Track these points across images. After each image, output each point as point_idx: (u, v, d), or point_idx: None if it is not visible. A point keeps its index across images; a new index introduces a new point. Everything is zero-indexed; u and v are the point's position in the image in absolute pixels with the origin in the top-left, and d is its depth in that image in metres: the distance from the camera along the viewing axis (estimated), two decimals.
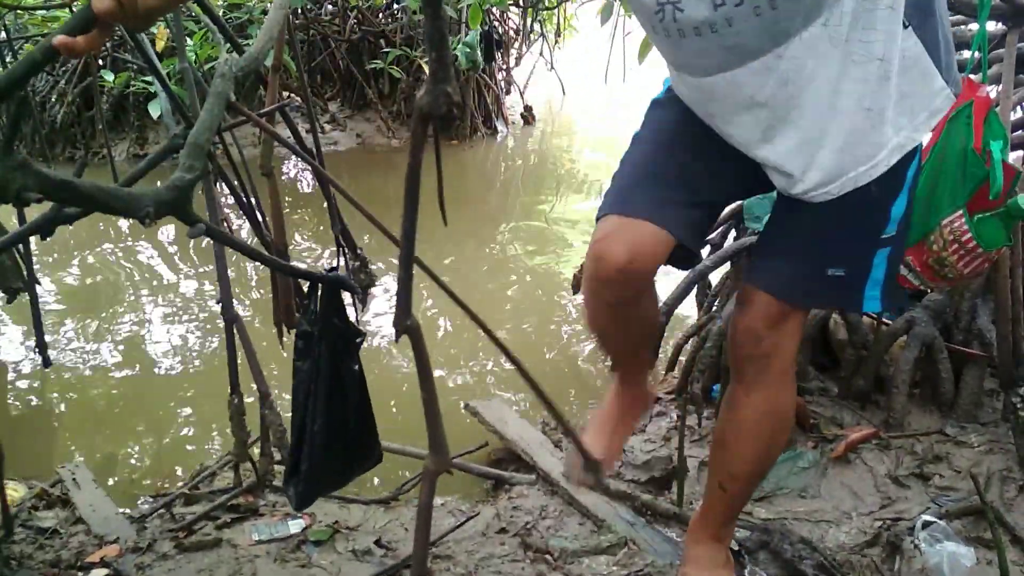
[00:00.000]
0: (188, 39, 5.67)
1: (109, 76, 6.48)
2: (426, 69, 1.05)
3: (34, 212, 1.20)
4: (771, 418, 1.68)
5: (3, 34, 3.09)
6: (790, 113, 1.40)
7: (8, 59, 2.56)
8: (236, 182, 2.07)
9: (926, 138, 1.94)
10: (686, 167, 1.59)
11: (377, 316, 3.86)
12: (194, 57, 5.46)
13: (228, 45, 2.11)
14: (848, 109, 1.38)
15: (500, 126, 8.26)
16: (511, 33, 8.87)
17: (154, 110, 5.77)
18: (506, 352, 1.02)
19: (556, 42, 9.35)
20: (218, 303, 1.89)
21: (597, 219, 1.61)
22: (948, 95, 1.45)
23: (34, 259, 2.83)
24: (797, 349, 1.68)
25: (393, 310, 0.92)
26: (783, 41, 1.31)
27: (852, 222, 1.52)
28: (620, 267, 1.51)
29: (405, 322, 1.07)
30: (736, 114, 1.46)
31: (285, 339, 2.09)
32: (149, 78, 6.06)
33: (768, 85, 1.37)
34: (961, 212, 1.81)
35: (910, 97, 1.41)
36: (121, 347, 3.69)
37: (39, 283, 2.78)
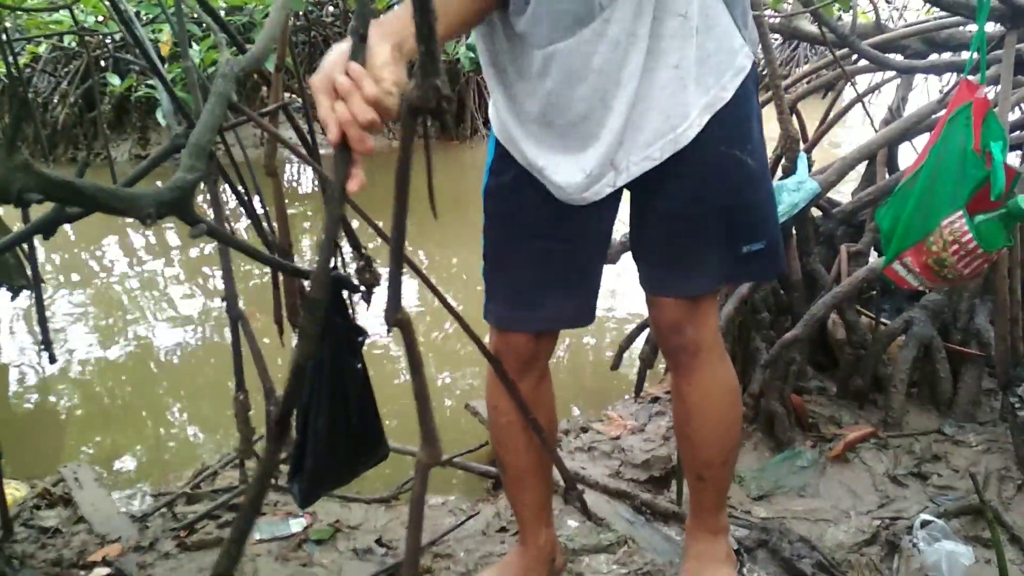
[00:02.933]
0: (195, 44, 5.68)
1: (115, 80, 6.50)
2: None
3: (37, 212, 1.20)
4: (717, 396, 1.71)
5: (3, 36, 3.09)
6: (621, 77, 1.39)
7: (9, 60, 2.56)
8: (239, 182, 2.08)
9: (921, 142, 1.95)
10: (548, 262, 1.60)
11: (380, 315, 3.86)
12: (199, 61, 5.46)
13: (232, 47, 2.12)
14: (659, 68, 1.38)
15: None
16: None
17: (161, 118, 5.77)
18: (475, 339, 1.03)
19: None
20: (223, 301, 1.90)
21: (493, 323, 1.69)
22: (748, 53, 1.47)
23: (38, 257, 2.83)
24: (718, 322, 1.74)
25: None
26: (608, 5, 1.32)
27: (754, 189, 1.54)
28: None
29: (396, 315, 1.08)
30: (574, 88, 1.41)
31: (287, 337, 2.10)
32: (153, 83, 6.07)
33: (599, 52, 1.36)
34: (961, 213, 1.81)
35: (715, 55, 1.42)
36: (123, 346, 3.70)
37: (43, 281, 2.79)
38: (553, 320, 1.68)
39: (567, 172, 1.48)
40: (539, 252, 1.59)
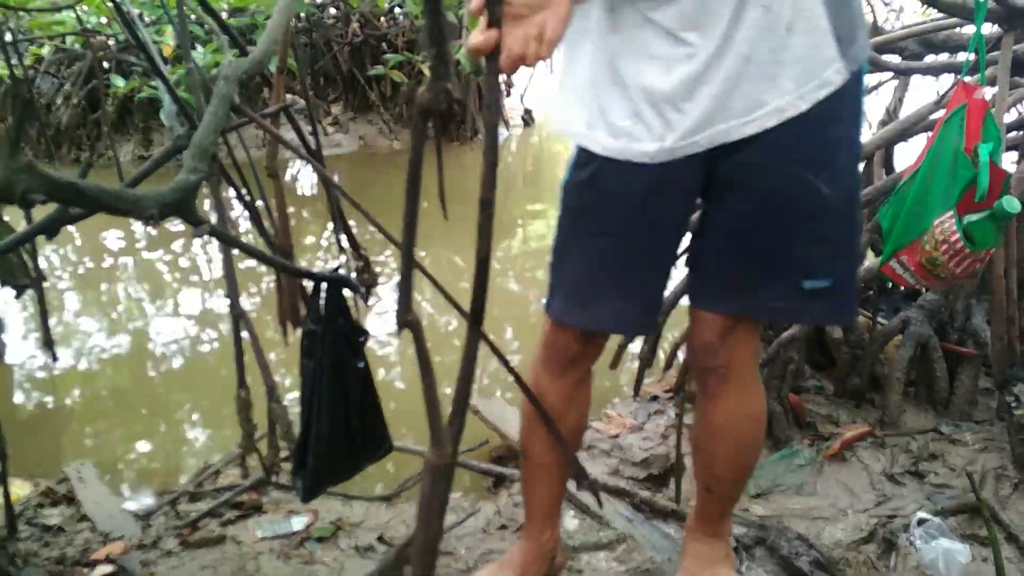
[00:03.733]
0: (200, 47, 5.70)
1: (120, 82, 6.51)
2: (427, 73, 1.08)
3: (41, 212, 1.22)
4: (742, 422, 1.68)
5: (8, 36, 3.11)
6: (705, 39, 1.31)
7: (12, 62, 2.58)
8: (241, 183, 2.09)
9: (923, 142, 1.96)
10: (607, 261, 1.55)
11: (381, 315, 3.88)
12: (203, 64, 5.49)
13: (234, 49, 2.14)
14: (727, 55, 1.31)
15: (501, 128, 8.29)
16: None
17: (164, 118, 5.79)
18: (501, 359, 1.05)
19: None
20: (226, 297, 1.92)
21: (553, 316, 1.64)
22: (840, 70, 1.34)
23: (40, 257, 2.86)
24: (757, 354, 1.67)
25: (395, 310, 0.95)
26: None
27: (827, 222, 1.44)
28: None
29: (406, 316, 1.09)
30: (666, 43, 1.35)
31: (290, 337, 2.11)
32: (156, 84, 6.09)
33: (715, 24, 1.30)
34: (951, 213, 1.83)
35: (802, 61, 1.32)
36: (126, 345, 3.71)
37: (46, 280, 2.81)
38: (603, 320, 1.61)
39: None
40: (600, 250, 1.55)
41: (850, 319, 1.60)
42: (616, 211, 1.50)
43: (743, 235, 1.47)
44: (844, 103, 1.38)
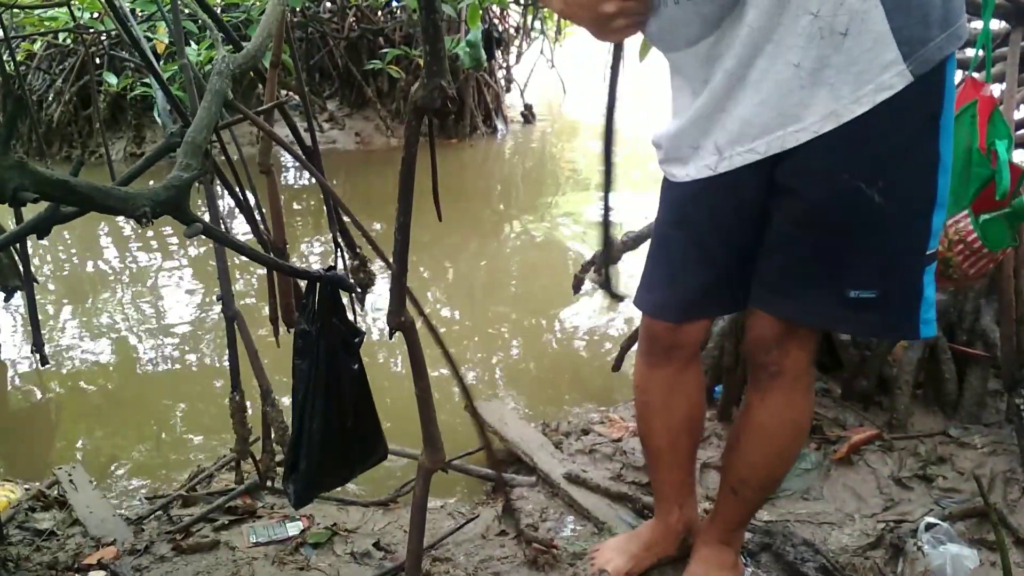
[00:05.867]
0: (194, 44, 5.66)
1: (112, 79, 6.47)
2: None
3: (31, 211, 1.18)
4: (784, 425, 1.67)
5: (0, 32, 3.07)
6: (753, 64, 1.36)
7: (4, 58, 2.54)
8: (234, 181, 2.06)
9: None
10: (679, 250, 1.63)
11: (376, 316, 3.85)
12: (197, 61, 5.44)
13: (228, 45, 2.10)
14: (777, 62, 1.32)
15: (500, 125, 8.26)
16: (511, 31, 8.86)
17: (157, 115, 5.75)
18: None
19: (557, 40, 9.32)
20: (218, 300, 1.88)
21: (638, 307, 1.74)
22: (902, 72, 1.29)
23: (31, 257, 2.82)
24: (813, 359, 1.64)
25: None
26: None
27: (878, 232, 1.40)
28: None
29: (399, 318, 1.06)
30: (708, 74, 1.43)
31: (282, 337, 2.08)
32: (149, 81, 6.06)
33: (736, 43, 1.35)
34: (966, 212, 1.80)
35: (857, 64, 1.29)
36: (118, 347, 3.67)
37: (37, 281, 2.77)
38: (684, 309, 1.67)
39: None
40: (672, 240, 1.64)
41: (908, 335, 1.53)
42: (678, 206, 1.61)
43: (792, 240, 1.47)
44: (910, 110, 1.33)
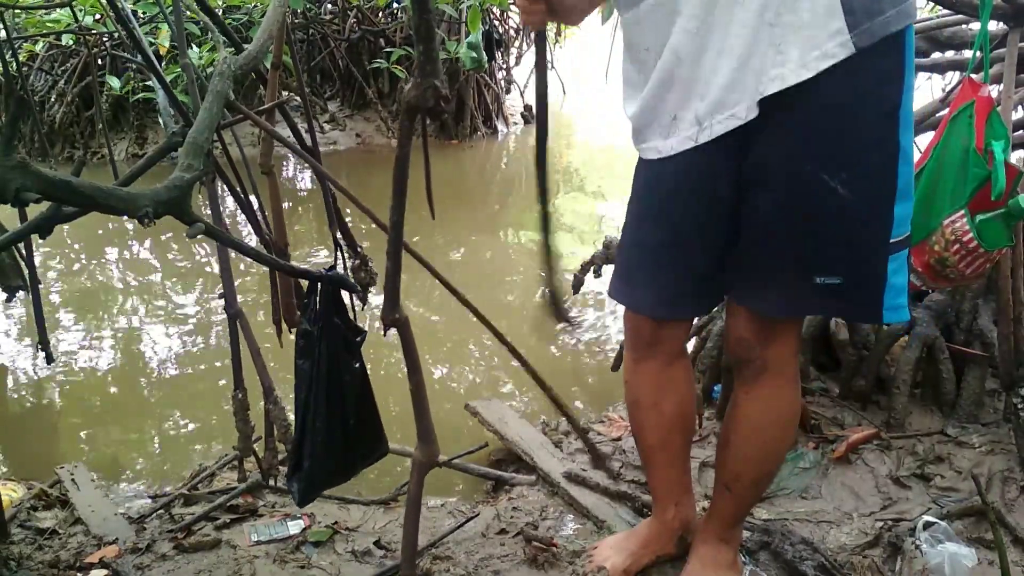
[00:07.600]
0: (196, 47, 5.67)
1: (115, 83, 6.47)
2: None
3: (34, 211, 1.19)
4: (772, 419, 1.69)
5: (3, 33, 3.08)
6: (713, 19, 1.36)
7: (7, 59, 2.55)
8: (236, 181, 2.06)
9: (927, 140, 1.94)
10: (656, 246, 1.61)
11: (376, 316, 3.85)
12: (199, 63, 5.45)
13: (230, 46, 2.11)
14: (735, 16, 1.33)
15: (500, 125, 8.26)
16: (511, 32, 8.87)
17: (161, 115, 5.77)
18: (513, 350, 1.02)
19: (556, 41, 9.34)
20: (220, 297, 1.89)
21: (613, 297, 1.74)
22: (845, 43, 1.31)
23: (35, 257, 2.83)
24: (796, 351, 1.67)
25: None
26: None
27: (842, 222, 1.43)
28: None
29: (393, 315, 1.06)
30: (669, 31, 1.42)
31: (284, 337, 2.09)
32: (151, 84, 6.06)
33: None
34: (963, 212, 1.80)
35: (808, 28, 1.31)
36: (121, 346, 3.68)
37: (40, 282, 2.77)
38: (664, 307, 1.67)
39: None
40: (648, 235, 1.62)
41: (872, 319, 1.58)
42: (656, 199, 1.59)
43: (764, 232, 1.49)
44: (860, 90, 1.35)
